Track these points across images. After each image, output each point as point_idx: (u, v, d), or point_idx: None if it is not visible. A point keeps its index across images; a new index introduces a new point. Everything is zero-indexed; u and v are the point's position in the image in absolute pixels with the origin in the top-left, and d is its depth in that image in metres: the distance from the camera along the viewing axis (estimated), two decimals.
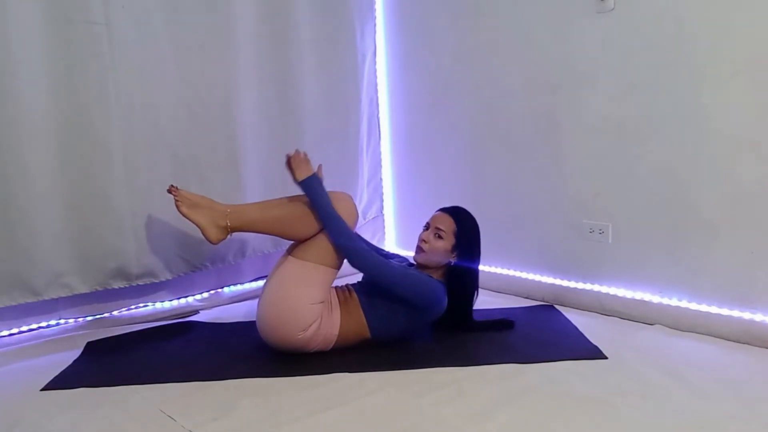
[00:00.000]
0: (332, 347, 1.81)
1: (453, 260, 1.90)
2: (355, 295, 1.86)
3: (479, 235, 1.95)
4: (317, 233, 1.80)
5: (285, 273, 1.78)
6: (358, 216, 1.91)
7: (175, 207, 1.85)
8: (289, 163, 1.85)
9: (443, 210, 1.97)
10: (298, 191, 1.85)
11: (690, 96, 1.91)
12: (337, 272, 1.82)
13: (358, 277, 1.92)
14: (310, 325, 1.73)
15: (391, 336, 1.85)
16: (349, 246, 1.79)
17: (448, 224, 1.91)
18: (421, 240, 1.94)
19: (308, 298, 1.74)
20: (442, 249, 1.90)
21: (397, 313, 1.81)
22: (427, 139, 2.77)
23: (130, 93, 2.04)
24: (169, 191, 1.86)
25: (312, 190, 1.82)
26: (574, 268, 2.27)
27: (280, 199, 1.91)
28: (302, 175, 1.82)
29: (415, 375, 1.65)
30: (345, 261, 1.82)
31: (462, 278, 1.92)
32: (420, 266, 1.94)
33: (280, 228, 1.85)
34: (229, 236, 1.85)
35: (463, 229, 1.92)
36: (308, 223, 1.81)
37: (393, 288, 1.78)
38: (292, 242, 1.87)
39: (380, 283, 1.80)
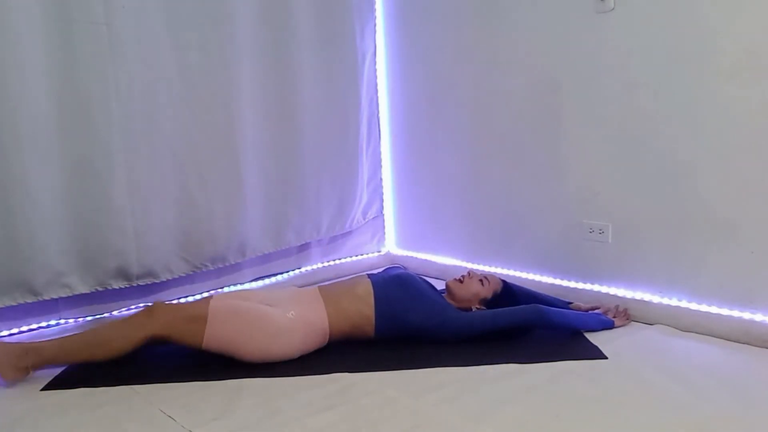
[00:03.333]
0: (329, 341, 1.81)
1: (475, 308, 1.96)
2: (369, 282, 1.89)
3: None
4: (139, 345, 1.68)
5: (228, 345, 1.70)
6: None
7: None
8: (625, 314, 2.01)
9: (503, 278, 2.09)
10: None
11: (690, 96, 1.91)
12: (215, 295, 1.86)
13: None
14: (290, 320, 1.74)
15: (395, 332, 1.86)
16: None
17: (495, 282, 2.03)
18: (468, 273, 2.03)
19: (256, 320, 1.72)
20: (475, 291, 1.98)
21: (408, 315, 1.84)
22: (427, 139, 2.77)
23: (130, 93, 2.04)
24: None
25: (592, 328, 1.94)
26: (574, 268, 2.27)
27: (82, 331, 1.80)
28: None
29: (415, 375, 1.65)
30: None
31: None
32: (449, 292, 2.01)
33: (87, 354, 1.69)
34: (31, 374, 1.67)
35: (502, 296, 2.00)
36: (116, 344, 1.68)
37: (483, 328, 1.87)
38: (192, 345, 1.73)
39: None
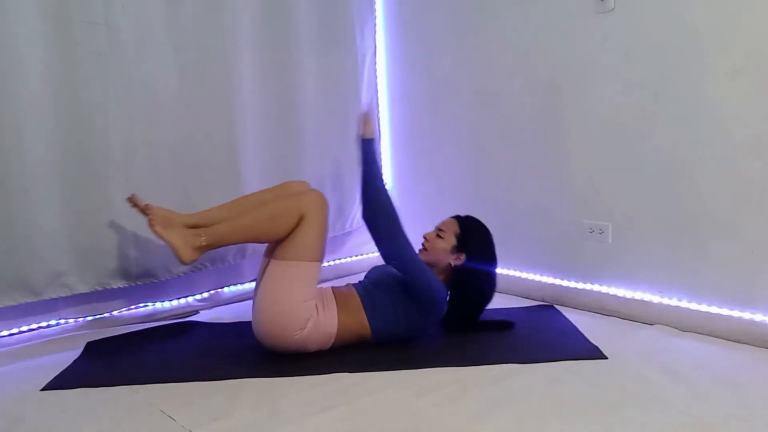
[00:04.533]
0: (331, 346, 1.80)
1: (454, 262, 1.90)
2: (356, 295, 1.86)
3: (486, 239, 1.93)
4: (292, 230, 1.77)
5: (271, 277, 1.76)
6: (327, 205, 1.86)
7: (147, 223, 1.80)
8: (365, 116, 1.90)
9: (453, 216, 2.00)
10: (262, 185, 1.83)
11: (690, 96, 1.91)
12: (321, 265, 1.81)
13: (358, 276, 1.91)
14: (307, 323, 1.73)
15: (393, 336, 1.85)
16: (393, 217, 1.83)
17: (450, 225, 1.95)
18: (424, 238, 1.96)
19: (299, 297, 1.74)
20: (441, 248, 1.91)
21: (398, 314, 1.82)
22: (427, 138, 2.77)
23: (130, 93, 2.04)
24: (141, 209, 1.80)
25: (372, 153, 1.87)
26: (574, 268, 2.27)
27: (241, 200, 1.91)
28: (370, 134, 1.89)
29: (415, 375, 1.64)
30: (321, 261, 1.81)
31: (467, 283, 1.91)
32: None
33: (254, 235, 1.83)
34: (201, 255, 1.81)
35: (466, 232, 1.92)
36: (280, 224, 1.76)
37: (414, 278, 1.79)
38: (269, 244, 1.85)
39: (404, 268, 1.80)
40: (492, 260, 1.94)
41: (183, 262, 1.79)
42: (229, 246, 2.32)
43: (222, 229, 1.80)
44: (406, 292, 1.82)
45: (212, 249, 1.83)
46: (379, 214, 1.82)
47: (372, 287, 1.88)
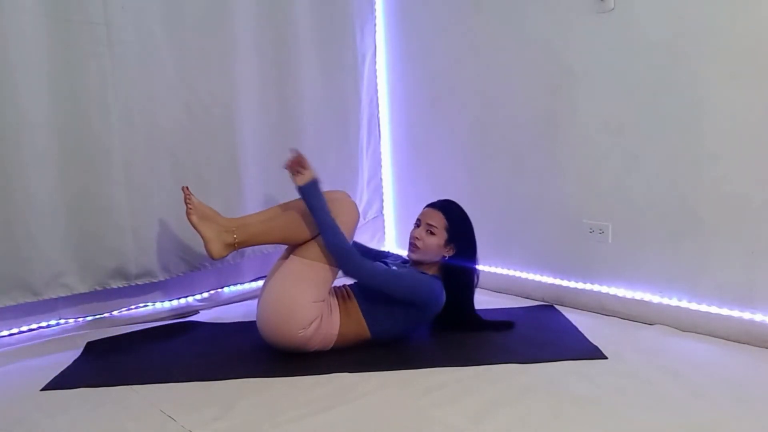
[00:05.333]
0: (332, 347, 1.81)
1: (447, 255, 1.91)
2: (353, 297, 1.86)
3: (471, 226, 1.95)
4: (318, 234, 1.81)
5: (286, 271, 1.79)
6: (359, 215, 1.92)
7: (185, 212, 1.85)
8: (290, 166, 1.84)
9: (432, 206, 1.97)
10: (295, 193, 1.85)
11: (690, 96, 1.91)
12: (337, 270, 1.83)
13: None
14: (311, 323, 1.73)
15: (392, 336, 1.85)
16: (341, 251, 1.77)
17: (438, 220, 1.92)
18: (414, 237, 1.93)
19: (309, 296, 1.74)
20: (436, 245, 1.90)
21: (395, 314, 1.82)
22: (427, 139, 2.77)
23: (129, 93, 2.04)
24: (184, 193, 1.87)
25: (310, 197, 1.81)
26: (574, 268, 2.27)
27: (276, 207, 1.95)
28: (303, 181, 1.82)
29: (415, 375, 1.64)
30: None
31: (459, 272, 1.92)
32: (415, 263, 1.95)
33: (282, 237, 1.88)
34: (231, 252, 1.87)
35: (455, 224, 1.92)
36: (308, 227, 1.83)
37: (389, 291, 1.80)
38: (288, 246, 1.88)
39: (375, 288, 1.81)
40: (474, 244, 1.96)
41: (212, 257, 1.84)
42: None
43: (255, 228, 1.87)
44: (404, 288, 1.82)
45: (244, 247, 1.90)
46: (335, 257, 1.79)
47: (368, 289, 1.86)
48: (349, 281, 1.92)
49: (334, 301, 1.84)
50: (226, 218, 1.90)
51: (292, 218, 1.86)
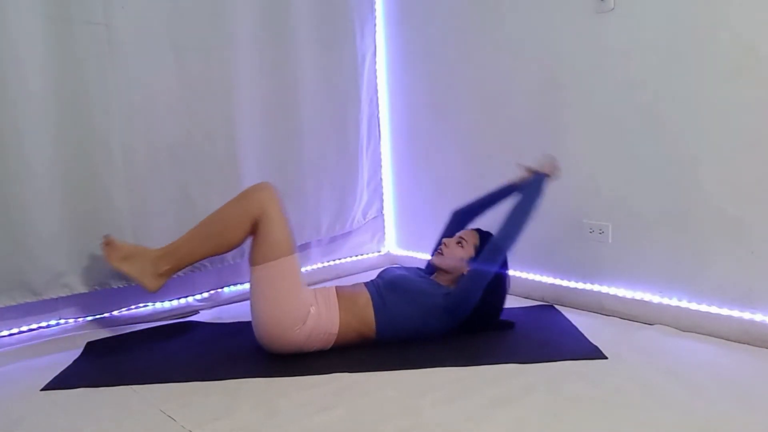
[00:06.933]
0: (332, 346, 1.81)
1: (466, 271, 1.92)
2: (367, 293, 1.87)
3: (502, 258, 1.90)
4: (252, 232, 1.78)
5: (257, 286, 1.77)
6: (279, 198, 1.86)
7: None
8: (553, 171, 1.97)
9: (474, 228, 2.03)
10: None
11: (690, 96, 1.91)
12: (296, 255, 1.81)
13: (358, 276, 1.91)
14: (308, 316, 1.74)
15: (398, 337, 1.85)
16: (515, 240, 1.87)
17: (471, 237, 1.97)
18: (443, 243, 1.98)
19: (291, 293, 1.74)
20: (459, 257, 1.93)
21: (406, 316, 1.83)
22: (427, 138, 2.77)
23: (129, 93, 2.04)
24: (104, 243, 1.86)
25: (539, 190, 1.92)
26: (574, 268, 2.27)
27: (196, 226, 1.88)
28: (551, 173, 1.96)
29: (415, 375, 1.64)
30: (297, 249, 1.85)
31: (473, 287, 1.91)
32: (435, 269, 1.99)
33: (210, 249, 1.84)
34: (167, 280, 1.84)
35: (485, 245, 1.94)
36: (234, 231, 1.78)
37: (483, 285, 1.83)
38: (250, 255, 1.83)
39: (485, 275, 1.83)
40: (503, 276, 1.93)
41: (150, 291, 1.81)
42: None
43: (181, 250, 1.82)
44: (432, 296, 1.84)
45: (178, 271, 1.85)
46: (514, 242, 1.87)
47: (386, 288, 1.88)
48: (352, 280, 1.92)
49: (332, 296, 1.84)
50: (151, 250, 1.86)
51: (214, 227, 1.82)
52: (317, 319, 1.76)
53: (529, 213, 1.88)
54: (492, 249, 1.85)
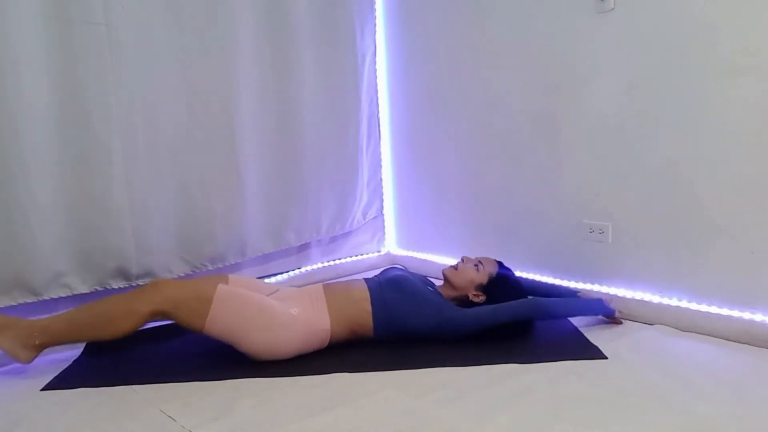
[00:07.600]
0: (330, 343, 1.81)
1: (473, 298, 1.94)
2: (365, 287, 1.87)
3: (515, 295, 1.91)
4: (138, 326, 1.71)
5: (223, 333, 1.71)
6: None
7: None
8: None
9: (497, 260, 2.04)
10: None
11: (690, 96, 1.91)
12: (223, 282, 1.80)
13: (358, 277, 1.91)
14: (291, 317, 1.74)
15: (394, 335, 1.85)
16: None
17: (490, 265, 1.99)
18: (462, 259, 2.01)
19: (255, 311, 1.72)
20: (470, 279, 1.95)
21: (405, 318, 1.84)
22: (427, 139, 2.77)
23: (129, 93, 2.04)
24: None
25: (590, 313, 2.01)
26: (574, 268, 2.27)
27: (84, 306, 1.78)
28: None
29: (415, 375, 1.64)
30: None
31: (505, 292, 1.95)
32: (444, 280, 2.00)
33: (90, 334, 1.74)
34: (40, 352, 1.73)
35: (500, 281, 1.96)
36: (116, 326, 1.70)
37: (490, 323, 1.85)
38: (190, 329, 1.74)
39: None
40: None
41: (22, 363, 1.70)
42: (228, 246, 2.33)
43: (57, 326, 1.71)
44: (433, 305, 1.86)
45: (53, 346, 1.74)
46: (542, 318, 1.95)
47: (388, 285, 1.89)
48: (337, 280, 1.93)
49: (318, 294, 1.84)
50: (27, 321, 1.72)
51: (98, 316, 1.71)
52: (305, 319, 1.76)
53: (569, 315, 1.98)
54: (524, 306, 1.85)
